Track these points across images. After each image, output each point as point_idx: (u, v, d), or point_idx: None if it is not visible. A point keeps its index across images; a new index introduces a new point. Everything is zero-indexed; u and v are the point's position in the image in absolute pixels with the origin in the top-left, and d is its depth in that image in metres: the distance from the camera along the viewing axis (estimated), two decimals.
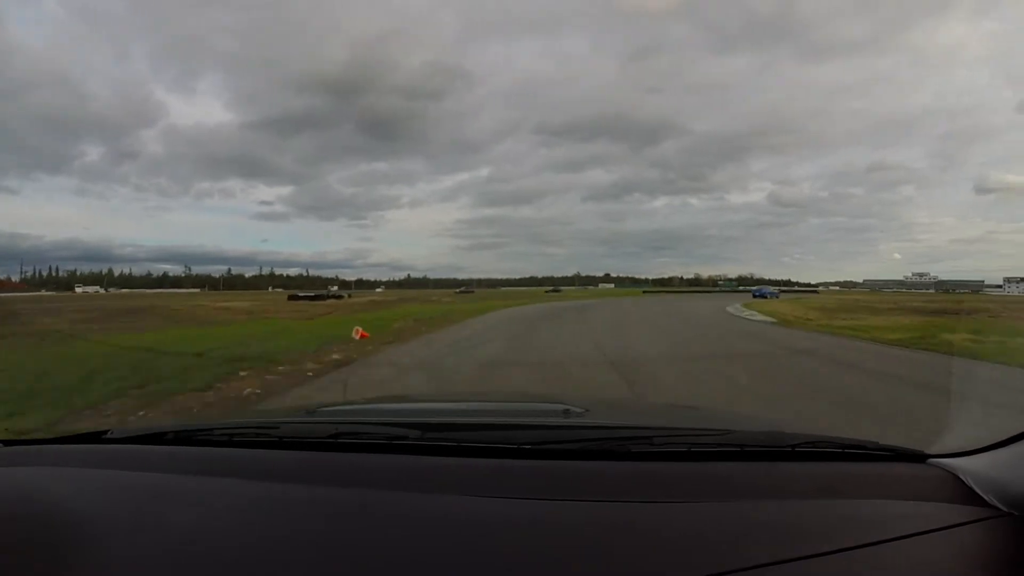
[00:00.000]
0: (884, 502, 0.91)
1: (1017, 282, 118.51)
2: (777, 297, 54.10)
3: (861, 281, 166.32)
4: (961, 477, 0.97)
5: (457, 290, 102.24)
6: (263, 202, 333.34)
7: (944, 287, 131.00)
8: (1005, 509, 0.86)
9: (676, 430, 1.32)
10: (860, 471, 1.04)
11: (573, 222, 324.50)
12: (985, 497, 0.90)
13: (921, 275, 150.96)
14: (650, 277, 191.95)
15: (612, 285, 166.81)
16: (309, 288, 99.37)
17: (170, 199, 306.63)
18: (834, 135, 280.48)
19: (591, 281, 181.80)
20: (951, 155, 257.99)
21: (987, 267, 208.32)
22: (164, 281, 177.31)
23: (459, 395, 3.47)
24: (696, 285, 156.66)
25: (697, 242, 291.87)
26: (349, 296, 59.54)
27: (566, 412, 1.41)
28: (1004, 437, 0.99)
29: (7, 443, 1.28)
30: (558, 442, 1.14)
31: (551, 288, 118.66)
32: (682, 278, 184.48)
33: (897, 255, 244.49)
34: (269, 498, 0.96)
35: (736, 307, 32.94)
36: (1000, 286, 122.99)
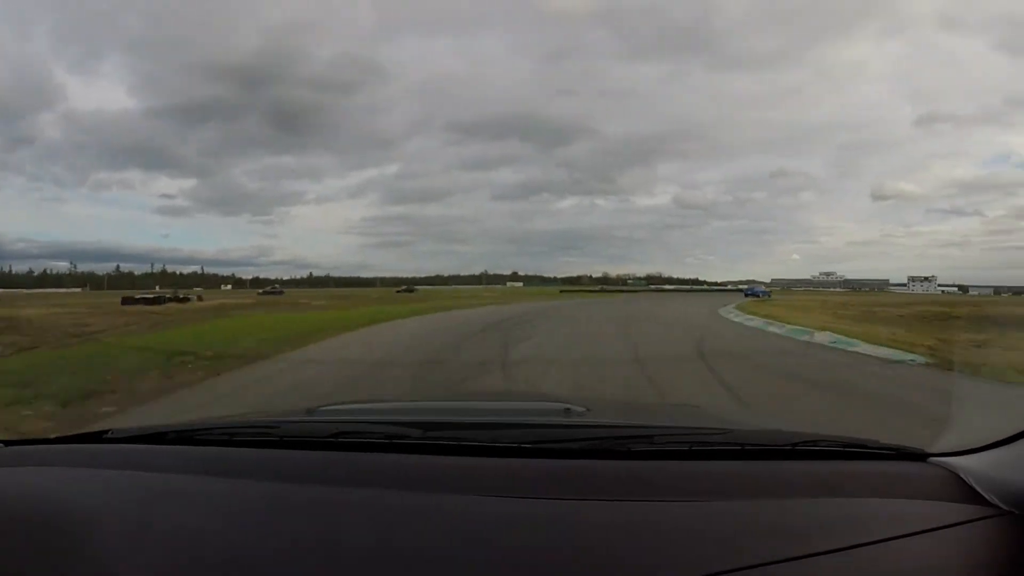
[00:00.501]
0: (885, 501, 0.91)
1: (921, 281, 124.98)
2: (769, 296, 51.47)
3: (769, 280, 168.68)
4: (962, 476, 0.95)
5: (260, 291, 78.52)
6: (164, 195, 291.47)
7: (850, 285, 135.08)
8: (1006, 508, 0.86)
9: (677, 429, 1.33)
10: (861, 470, 1.03)
11: (481, 221, 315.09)
12: (986, 496, 0.89)
13: (828, 274, 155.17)
14: (558, 276, 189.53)
15: (520, 284, 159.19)
16: (205, 286, 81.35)
17: (67, 190, 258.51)
18: (740, 142, 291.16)
19: (499, 280, 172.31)
20: (851, 164, 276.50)
21: (882, 267, 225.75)
22: (46, 280, 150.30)
23: (460, 394, 3.76)
24: (605, 284, 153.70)
25: (604, 242, 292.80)
26: (199, 299, 46.77)
27: (567, 411, 1.41)
28: (1004, 436, 0.99)
29: (8, 443, 1.27)
30: (559, 441, 1.13)
31: (403, 288, 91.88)
32: (591, 276, 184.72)
33: (796, 256, 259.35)
34: (270, 498, 0.95)
35: (733, 312, 23.52)
36: (904, 284, 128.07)
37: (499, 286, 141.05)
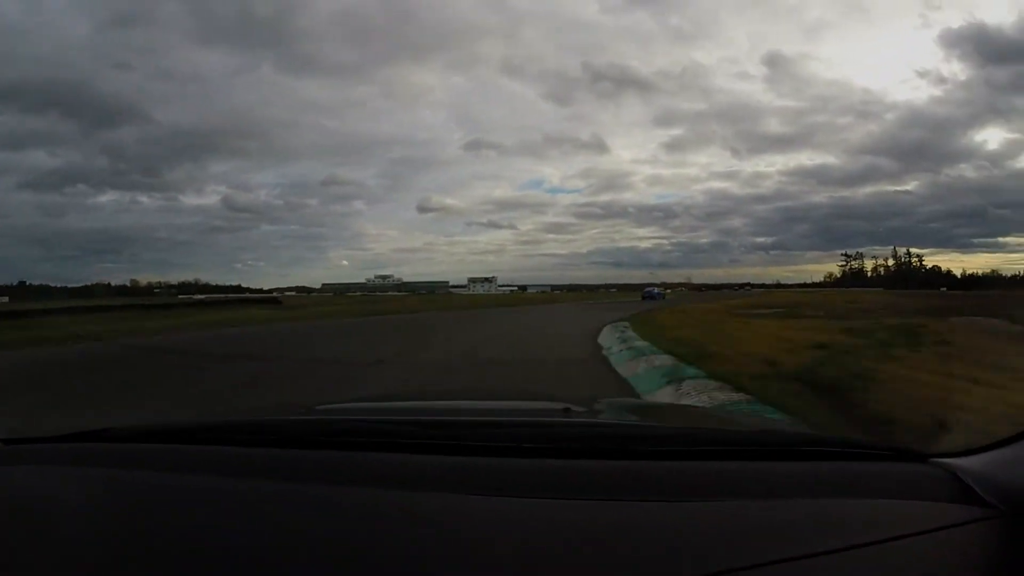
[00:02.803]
0: (884, 501, 0.90)
1: (482, 281, 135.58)
2: (664, 298, 51.44)
3: (320, 286, 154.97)
4: (961, 477, 0.94)
5: None
6: None
7: (408, 288, 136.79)
8: (1004, 509, 0.85)
9: (676, 429, 1.38)
10: (860, 470, 1.02)
11: (8, 216, 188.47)
12: (985, 497, 0.88)
13: (384, 277, 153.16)
14: (70, 285, 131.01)
15: (6, 299, 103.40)
16: None
17: None
18: (297, 147, 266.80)
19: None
20: (401, 177, 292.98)
21: (426, 271, 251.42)
22: None
23: (459, 393, 3.39)
24: (130, 294, 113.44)
25: (145, 245, 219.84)
26: None
27: (566, 410, 1.40)
28: (1004, 436, 0.99)
29: (7, 442, 1.27)
30: (559, 440, 1.12)
31: None
32: (109, 285, 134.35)
33: (345, 262, 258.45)
34: (270, 496, 0.95)
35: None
36: (465, 286, 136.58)
37: None
